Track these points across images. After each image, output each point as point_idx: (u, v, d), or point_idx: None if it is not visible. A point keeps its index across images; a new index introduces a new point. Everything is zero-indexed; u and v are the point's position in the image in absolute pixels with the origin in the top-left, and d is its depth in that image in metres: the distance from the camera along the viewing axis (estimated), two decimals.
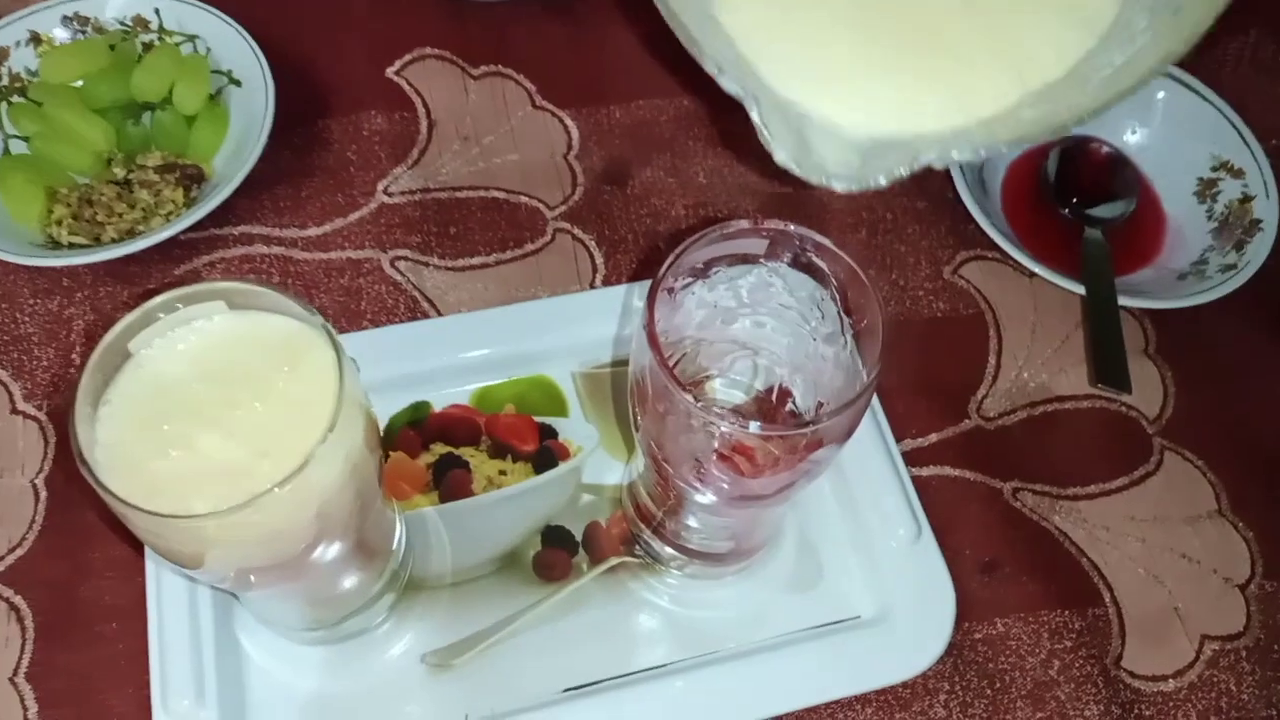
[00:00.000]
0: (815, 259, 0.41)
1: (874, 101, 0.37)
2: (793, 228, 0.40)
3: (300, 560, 0.41)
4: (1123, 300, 0.60)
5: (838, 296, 0.42)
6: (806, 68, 0.38)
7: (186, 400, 0.38)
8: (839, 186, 0.35)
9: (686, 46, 0.36)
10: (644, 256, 0.64)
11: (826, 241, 0.40)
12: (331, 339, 0.39)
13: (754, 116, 0.35)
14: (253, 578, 0.42)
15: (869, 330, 0.40)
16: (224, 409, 0.38)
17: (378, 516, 0.48)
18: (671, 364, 0.40)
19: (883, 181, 0.34)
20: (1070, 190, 0.66)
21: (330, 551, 0.43)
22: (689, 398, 0.37)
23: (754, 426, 0.37)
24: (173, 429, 0.38)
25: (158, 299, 0.39)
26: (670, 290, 0.43)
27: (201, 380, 0.39)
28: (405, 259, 0.63)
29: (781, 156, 0.34)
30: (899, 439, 0.58)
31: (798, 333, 0.45)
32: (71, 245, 0.60)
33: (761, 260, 0.42)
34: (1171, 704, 0.53)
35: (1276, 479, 0.60)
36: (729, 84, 0.35)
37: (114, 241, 0.60)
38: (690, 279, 0.43)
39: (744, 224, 0.41)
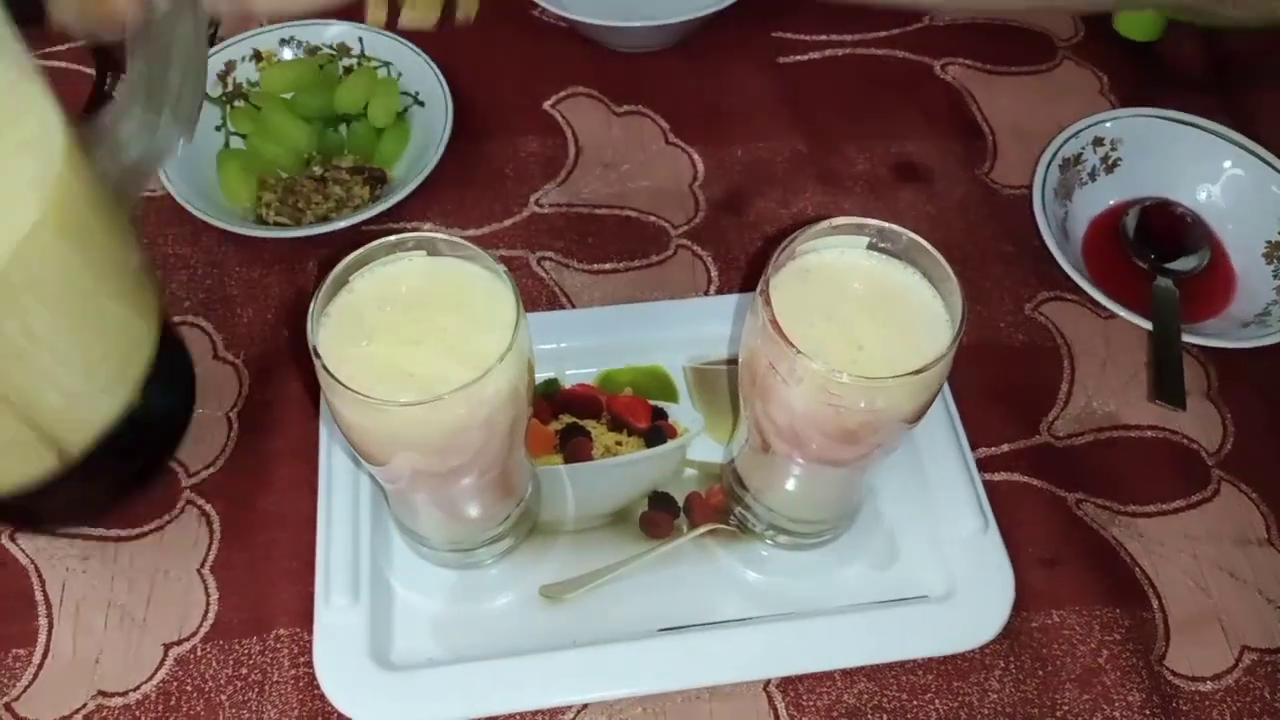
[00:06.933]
0: (913, 256, 0.49)
1: None
2: (891, 225, 0.49)
3: (462, 471, 0.50)
4: (1186, 338, 0.66)
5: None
6: None
7: (388, 321, 0.48)
8: None
9: None
10: (754, 273, 0.72)
11: (923, 241, 0.49)
12: (512, 286, 0.48)
13: None
14: (422, 480, 0.51)
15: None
16: (418, 328, 0.47)
17: (518, 461, 0.57)
18: None
19: None
20: (1147, 245, 0.73)
21: (483, 473, 0.51)
22: (794, 348, 0.45)
23: (845, 376, 0.44)
24: (374, 342, 0.47)
25: (373, 244, 0.48)
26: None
27: (401, 306, 0.48)
28: (549, 260, 0.73)
29: None
30: (974, 446, 0.65)
31: None
32: (276, 224, 0.71)
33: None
34: (1208, 702, 0.58)
35: None
36: None
37: (311, 224, 0.71)
38: None
39: (850, 220, 0.49)
